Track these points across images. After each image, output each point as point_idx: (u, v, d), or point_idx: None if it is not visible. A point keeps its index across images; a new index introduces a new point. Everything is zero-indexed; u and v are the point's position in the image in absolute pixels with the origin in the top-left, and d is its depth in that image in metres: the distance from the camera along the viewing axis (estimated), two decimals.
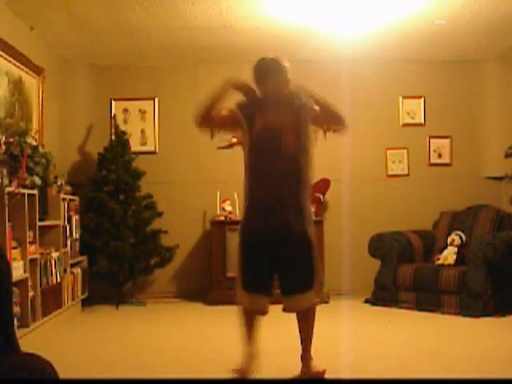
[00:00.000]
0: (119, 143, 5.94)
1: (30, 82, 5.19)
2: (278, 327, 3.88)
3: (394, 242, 5.70)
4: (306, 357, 3.22)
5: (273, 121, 3.11)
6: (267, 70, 3.14)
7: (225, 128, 3.51)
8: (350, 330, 4.50)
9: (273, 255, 3.10)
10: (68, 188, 5.35)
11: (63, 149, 6.02)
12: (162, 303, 5.96)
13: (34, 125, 5.26)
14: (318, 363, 3.23)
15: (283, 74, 3.15)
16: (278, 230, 3.08)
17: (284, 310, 3.17)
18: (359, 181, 6.38)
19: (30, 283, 4.22)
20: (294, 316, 3.24)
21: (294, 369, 3.29)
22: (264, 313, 3.17)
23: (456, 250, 5.45)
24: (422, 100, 6.51)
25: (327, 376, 3.20)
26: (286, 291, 3.13)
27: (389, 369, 3.40)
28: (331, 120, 3.31)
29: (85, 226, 5.67)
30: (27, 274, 4.16)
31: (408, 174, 6.50)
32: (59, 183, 5.07)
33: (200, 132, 3.35)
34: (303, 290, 3.11)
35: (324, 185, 6.14)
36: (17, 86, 4.89)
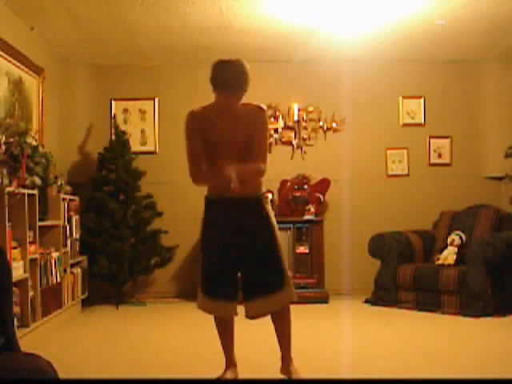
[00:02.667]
0: (119, 143, 5.94)
1: (30, 81, 5.19)
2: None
3: (394, 242, 5.69)
4: (286, 359, 3.08)
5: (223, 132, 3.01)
6: (227, 74, 2.93)
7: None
8: (349, 330, 4.50)
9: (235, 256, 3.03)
10: (68, 188, 5.35)
11: (63, 149, 6.02)
12: (161, 303, 5.96)
13: (34, 125, 5.26)
14: (318, 363, 3.23)
15: (244, 84, 3.00)
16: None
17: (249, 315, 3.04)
18: (359, 181, 6.38)
19: (30, 283, 4.22)
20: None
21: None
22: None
23: (456, 249, 5.45)
24: (422, 100, 6.51)
25: (327, 376, 3.20)
26: (248, 294, 3.02)
27: (389, 369, 3.40)
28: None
29: (85, 226, 5.68)
30: (27, 274, 4.16)
31: (408, 174, 6.50)
32: (59, 183, 5.07)
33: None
34: (273, 291, 2.98)
35: (324, 185, 6.14)
36: (17, 86, 4.89)
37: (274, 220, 3.10)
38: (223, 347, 3.19)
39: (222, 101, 2.97)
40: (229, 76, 2.92)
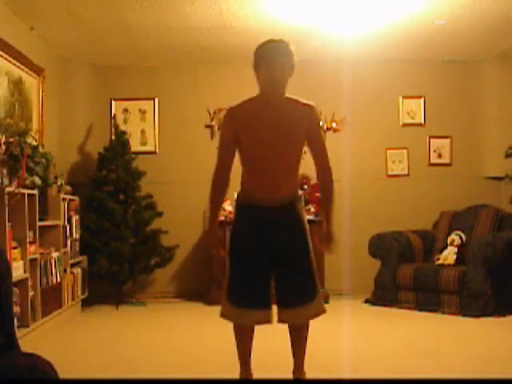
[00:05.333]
0: (119, 143, 5.94)
1: (30, 81, 5.19)
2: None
3: (394, 241, 5.69)
4: (298, 373, 2.94)
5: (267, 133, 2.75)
6: (274, 53, 2.76)
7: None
8: (350, 330, 4.51)
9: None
10: (68, 188, 5.35)
11: (63, 149, 6.02)
12: (161, 303, 5.97)
13: (34, 125, 5.25)
14: (318, 363, 3.23)
15: (291, 60, 2.77)
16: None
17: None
18: (359, 181, 6.38)
19: (30, 283, 4.21)
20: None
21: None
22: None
23: (456, 249, 5.45)
24: (422, 100, 6.51)
25: (327, 376, 3.20)
26: (281, 303, 2.85)
27: (389, 369, 3.40)
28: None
29: (85, 225, 5.67)
30: (27, 274, 4.16)
31: (408, 174, 6.50)
32: (59, 183, 5.07)
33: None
34: (305, 302, 2.83)
35: None
36: (17, 85, 4.89)
37: (306, 225, 2.93)
38: (241, 360, 2.98)
39: (269, 88, 2.73)
40: (278, 54, 2.72)
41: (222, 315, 2.90)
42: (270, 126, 2.74)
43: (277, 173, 2.78)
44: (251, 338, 2.93)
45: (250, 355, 2.97)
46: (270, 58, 2.74)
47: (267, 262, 2.82)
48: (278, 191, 2.79)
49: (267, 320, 2.82)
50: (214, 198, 2.89)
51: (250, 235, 2.83)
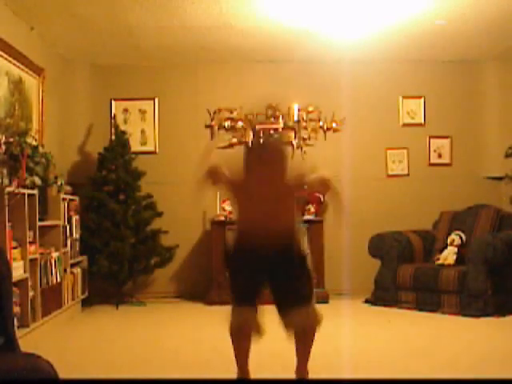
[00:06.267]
0: (119, 143, 5.94)
1: (30, 81, 5.19)
2: None
3: (394, 242, 5.69)
4: (302, 370, 2.97)
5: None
6: (263, 157, 2.79)
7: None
8: (349, 330, 4.50)
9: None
10: (68, 188, 5.35)
11: (63, 149, 6.02)
12: (161, 303, 5.97)
13: (34, 125, 5.25)
14: (318, 363, 3.22)
15: (282, 163, 2.81)
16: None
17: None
18: (359, 181, 6.38)
19: (30, 283, 4.22)
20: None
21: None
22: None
23: (456, 249, 5.45)
24: (422, 100, 6.51)
25: (327, 376, 3.20)
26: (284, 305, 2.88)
27: (389, 369, 3.40)
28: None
29: (85, 225, 5.68)
30: (27, 274, 4.16)
31: (408, 174, 6.50)
32: (59, 183, 5.06)
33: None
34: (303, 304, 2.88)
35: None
36: (17, 85, 4.89)
37: (306, 257, 2.96)
38: (237, 358, 3.01)
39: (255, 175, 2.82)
40: (264, 156, 2.80)
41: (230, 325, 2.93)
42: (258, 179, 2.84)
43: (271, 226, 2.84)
44: (249, 341, 2.95)
45: (248, 357, 2.99)
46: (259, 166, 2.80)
47: (262, 276, 2.90)
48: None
49: (254, 317, 2.88)
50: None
51: (247, 267, 2.90)
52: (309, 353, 2.95)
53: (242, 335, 2.93)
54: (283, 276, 2.87)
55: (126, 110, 6.39)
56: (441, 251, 5.61)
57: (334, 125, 6.39)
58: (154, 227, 5.99)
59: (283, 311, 2.86)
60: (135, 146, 6.21)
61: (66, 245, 5.11)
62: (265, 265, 2.85)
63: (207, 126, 6.39)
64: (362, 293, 5.86)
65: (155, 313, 5.50)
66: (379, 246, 5.73)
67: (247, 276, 2.89)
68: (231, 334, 2.95)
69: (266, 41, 5.62)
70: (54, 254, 4.80)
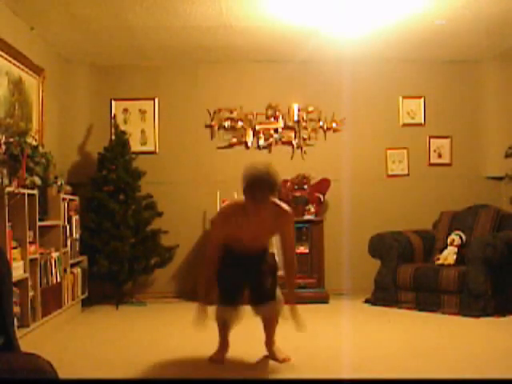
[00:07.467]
0: (119, 143, 5.94)
1: (30, 81, 5.19)
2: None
3: (394, 242, 5.69)
4: (269, 342, 3.66)
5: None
6: (256, 189, 3.28)
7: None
8: (349, 330, 4.50)
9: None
10: (68, 188, 5.35)
11: (63, 149, 6.02)
12: (161, 303, 5.97)
13: (34, 125, 5.25)
14: (318, 363, 3.23)
15: (271, 192, 3.32)
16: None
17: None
18: (359, 181, 6.38)
19: (30, 283, 4.21)
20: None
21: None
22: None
23: (456, 249, 5.46)
24: (422, 100, 6.51)
25: (327, 376, 3.20)
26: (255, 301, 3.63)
27: (389, 369, 3.40)
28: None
29: (85, 225, 5.68)
30: (27, 274, 4.16)
31: (408, 174, 6.50)
32: (59, 183, 5.07)
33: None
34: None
35: (324, 185, 6.14)
36: (17, 85, 4.89)
37: (274, 262, 3.68)
38: (221, 337, 3.72)
39: (252, 207, 3.35)
40: (257, 192, 3.28)
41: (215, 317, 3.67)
42: (249, 232, 3.49)
43: (251, 250, 3.61)
44: (230, 327, 3.71)
45: (228, 335, 3.73)
46: (252, 194, 3.31)
47: (243, 278, 3.62)
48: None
49: (235, 314, 3.61)
50: (208, 274, 3.60)
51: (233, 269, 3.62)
52: (274, 331, 3.67)
53: (226, 325, 3.68)
54: (257, 278, 3.59)
55: (125, 110, 6.39)
56: (441, 251, 5.61)
57: (333, 125, 6.40)
58: (153, 227, 5.99)
59: (256, 304, 3.60)
60: (135, 145, 6.21)
61: (65, 245, 5.11)
62: (245, 266, 3.54)
63: (207, 126, 6.40)
64: (362, 293, 5.86)
65: (155, 313, 5.50)
66: (379, 246, 5.73)
67: (231, 282, 3.59)
68: (217, 324, 3.69)
69: (265, 41, 5.62)
70: (54, 254, 4.80)
